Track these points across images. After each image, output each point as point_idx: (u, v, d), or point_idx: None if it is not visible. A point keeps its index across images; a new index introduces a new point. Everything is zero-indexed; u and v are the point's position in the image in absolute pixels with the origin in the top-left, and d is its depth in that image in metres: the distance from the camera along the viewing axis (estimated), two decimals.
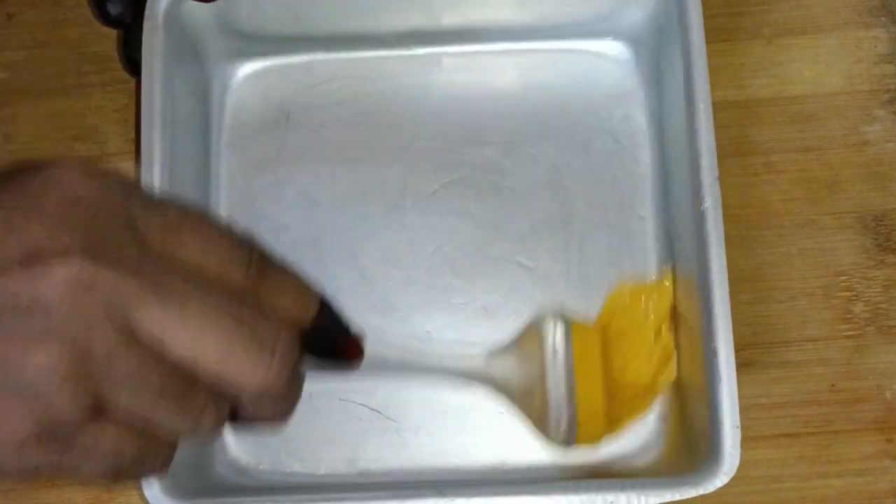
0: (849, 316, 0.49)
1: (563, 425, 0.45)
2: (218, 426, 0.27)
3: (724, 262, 0.43)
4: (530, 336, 0.47)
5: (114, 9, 0.50)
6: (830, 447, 0.47)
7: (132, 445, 0.25)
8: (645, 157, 0.50)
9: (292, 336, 0.27)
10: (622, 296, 0.48)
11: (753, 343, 0.48)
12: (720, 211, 0.43)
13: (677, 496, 0.41)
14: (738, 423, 0.41)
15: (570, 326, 0.46)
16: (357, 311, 0.47)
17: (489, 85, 0.51)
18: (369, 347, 0.34)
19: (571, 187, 0.49)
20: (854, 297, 0.49)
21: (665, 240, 0.48)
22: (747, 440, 0.47)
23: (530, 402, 0.46)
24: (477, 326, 0.48)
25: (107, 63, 0.52)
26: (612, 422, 0.46)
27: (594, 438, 0.46)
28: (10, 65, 0.53)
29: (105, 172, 0.26)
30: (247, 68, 0.52)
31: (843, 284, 0.49)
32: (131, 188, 0.26)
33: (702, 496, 0.47)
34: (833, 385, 0.48)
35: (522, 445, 0.46)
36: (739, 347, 0.48)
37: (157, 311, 0.24)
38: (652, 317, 0.47)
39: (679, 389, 0.46)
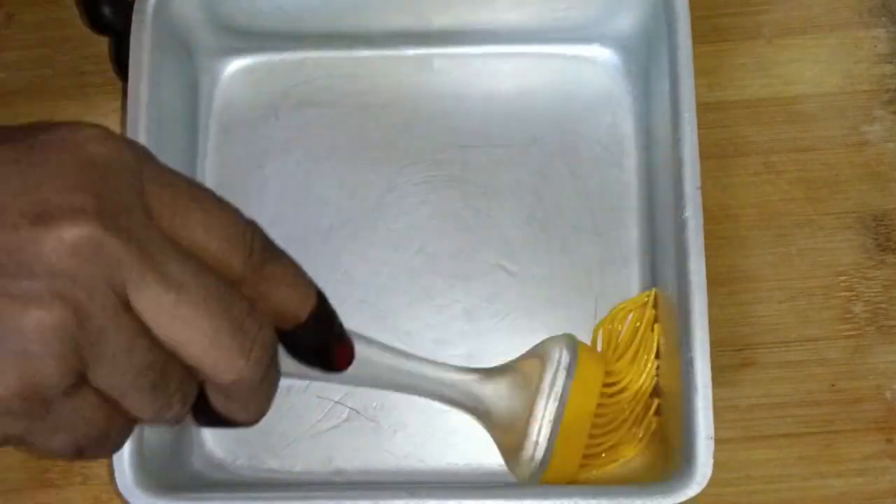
0: (849, 316, 0.49)
1: (534, 465, 0.43)
2: (181, 415, 0.27)
3: (703, 273, 0.42)
4: (532, 362, 0.44)
5: (105, 16, 0.50)
6: (830, 447, 0.47)
7: (99, 422, 0.25)
8: (631, 165, 0.50)
9: (273, 335, 0.27)
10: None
11: (753, 343, 0.48)
12: (701, 221, 0.43)
13: None
14: (713, 435, 0.41)
15: (577, 360, 0.44)
16: (338, 310, 0.48)
17: (479, 87, 0.51)
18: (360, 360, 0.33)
19: (557, 193, 0.49)
20: (854, 297, 0.49)
21: (648, 248, 0.48)
22: (747, 440, 0.47)
23: (508, 431, 0.44)
24: (458, 328, 0.48)
25: (107, 63, 0.52)
26: (583, 466, 0.44)
27: (560, 480, 0.44)
28: (10, 65, 0.53)
29: (121, 137, 0.26)
30: (236, 64, 0.52)
31: (843, 284, 0.49)
32: (145, 155, 0.26)
33: (699, 496, 0.47)
34: (833, 385, 0.48)
35: (496, 450, 0.46)
36: (739, 347, 0.48)
37: (154, 290, 0.24)
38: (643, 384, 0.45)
39: (657, 398, 0.46)
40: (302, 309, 0.29)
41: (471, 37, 0.51)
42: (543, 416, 0.43)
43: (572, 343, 0.45)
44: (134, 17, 0.46)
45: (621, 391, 0.45)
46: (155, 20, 0.46)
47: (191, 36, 0.49)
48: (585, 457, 0.44)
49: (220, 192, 0.49)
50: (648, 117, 0.49)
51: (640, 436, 0.45)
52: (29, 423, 0.24)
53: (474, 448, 0.46)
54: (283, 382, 0.46)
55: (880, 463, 0.47)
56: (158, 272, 0.24)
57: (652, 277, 0.48)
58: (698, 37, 0.50)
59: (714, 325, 0.48)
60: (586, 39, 0.51)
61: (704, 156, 0.50)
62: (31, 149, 0.25)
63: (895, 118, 0.51)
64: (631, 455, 0.45)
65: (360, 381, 0.39)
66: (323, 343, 0.31)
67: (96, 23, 0.51)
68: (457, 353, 0.47)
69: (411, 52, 0.51)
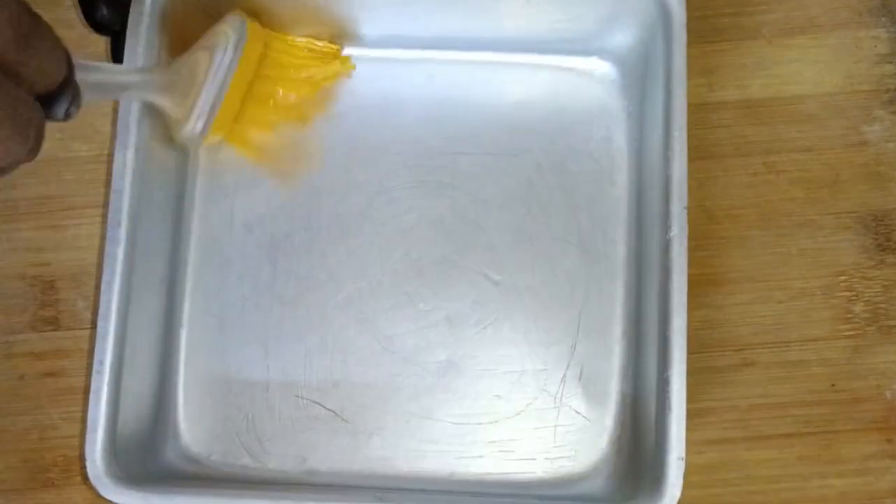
0: (849, 316, 0.49)
1: (200, 125, 0.46)
2: None
3: (685, 293, 0.43)
4: (207, 39, 0.47)
5: (104, 16, 0.50)
6: (830, 447, 0.47)
7: None
8: (621, 180, 0.49)
9: (42, 113, 0.29)
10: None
11: (753, 343, 0.48)
12: (686, 241, 0.43)
13: None
14: (684, 455, 0.41)
15: (246, 32, 0.47)
16: (321, 310, 0.48)
17: (474, 94, 0.51)
18: None
19: (545, 204, 0.49)
20: (854, 297, 0.49)
21: (634, 264, 0.48)
22: (747, 440, 0.47)
23: (178, 105, 0.46)
24: (439, 335, 0.48)
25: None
26: (247, 127, 0.49)
27: (221, 136, 0.48)
28: None
29: None
30: None
31: (843, 284, 0.49)
32: None
33: (700, 496, 0.47)
34: (833, 385, 0.48)
35: (470, 458, 0.47)
36: (739, 347, 0.48)
37: None
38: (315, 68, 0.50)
39: (633, 418, 0.46)
40: (61, 72, 0.30)
41: (468, 43, 0.51)
42: (213, 84, 0.46)
43: (240, 26, 0.47)
44: (132, 10, 0.46)
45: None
46: (152, 14, 0.46)
47: (188, 31, 0.49)
48: (249, 120, 0.49)
49: (209, 185, 0.50)
50: (641, 133, 0.49)
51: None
52: None
53: (448, 456, 0.47)
54: (261, 382, 0.47)
55: (880, 463, 0.47)
56: None
57: (636, 293, 0.48)
58: (698, 37, 0.50)
59: (714, 325, 0.48)
60: (584, 52, 0.51)
61: (704, 156, 0.50)
62: None
63: (895, 118, 0.51)
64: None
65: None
66: (67, 102, 0.32)
67: (95, 23, 0.51)
68: (437, 360, 0.48)
69: (408, 55, 0.51)
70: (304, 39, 0.50)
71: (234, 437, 0.47)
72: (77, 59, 0.34)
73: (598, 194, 0.49)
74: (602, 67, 0.51)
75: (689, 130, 0.45)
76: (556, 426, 0.47)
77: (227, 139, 0.49)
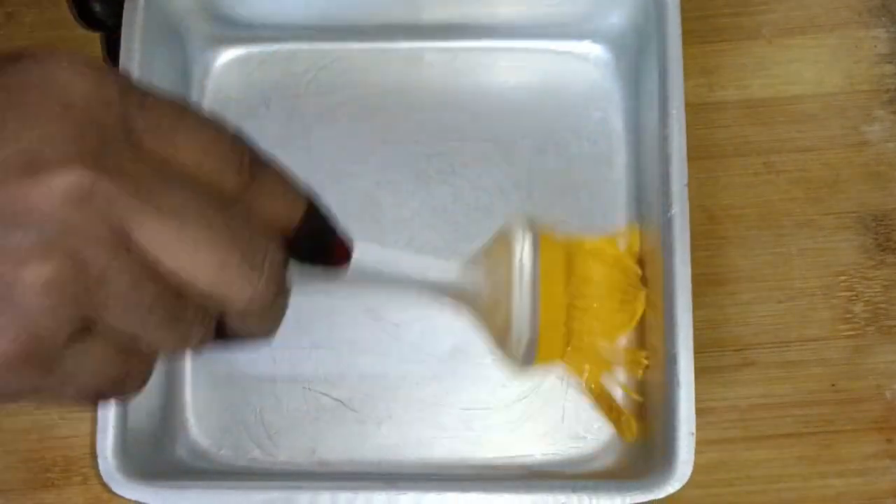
0: (849, 316, 0.49)
1: (524, 344, 0.43)
2: (204, 343, 0.26)
3: (688, 270, 0.43)
4: (499, 247, 0.44)
5: (96, 12, 0.50)
6: (830, 447, 0.47)
7: (115, 365, 0.25)
8: (620, 162, 0.50)
9: (281, 249, 0.26)
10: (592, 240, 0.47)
11: (753, 343, 0.48)
12: (687, 219, 0.43)
13: (627, 500, 0.41)
14: (694, 430, 0.41)
15: (539, 238, 0.44)
16: (327, 300, 0.48)
17: (470, 82, 0.51)
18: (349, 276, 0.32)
19: (545, 189, 0.49)
20: (854, 297, 0.49)
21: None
22: (747, 440, 0.47)
23: (494, 318, 0.44)
24: (445, 322, 0.48)
25: (106, 63, 0.52)
26: (568, 346, 0.45)
27: (551, 358, 0.44)
28: None
29: (98, 67, 0.25)
30: (228, 54, 0.52)
31: (843, 284, 0.49)
32: (126, 84, 0.25)
33: (700, 496, 0.47)
34: (833, 385, 0.48)
35: (480, 443, 0.47)
36: (739, 347, 0.48)
37: (154, 224, 0.23)
38: (622, 262, 0.46)
39: (641, 396, 0.46)
40: (296, 212, 0.28)
41: (462, 31, 0.51)
42: (521, 298, 0.42)
43: (531, 226, 0.44)
44: (126, 5, 0.46)
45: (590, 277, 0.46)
46: (147, 8, 0.46)
47: (183, 25, 0.50)
48: (572, 342, 0.45)
49: None
50: (638, 114, 0.49)
51: (628, 319, 0.46)
52: (37, 379, 0.23)
53: (458, 442, 0.47)
54: (268, 374, 0.47)
55: (880, 463, 0.47)
56: (154, 205, 0.23)
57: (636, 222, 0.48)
58: (698, 37, 0.50)
59: (714, 325, 0.48)
60: (578, 35, 0.51)
61: (704, 156, 0.50)
62: (7, 91, 0.23)
63: (895, 118, 0.51)
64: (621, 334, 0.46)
65: (362, 277, 0.37)
66: (321, 239, 0.31)
67: (87, 19, 0.50)
68: (443, 347, 0.48)
69: (403, 45, 0.51)
70: (602, 240, 0.47)
71: (243, 430, 0.47)
72: (359, 242, 0.32)
73: (597, 177, 0.49)
74: (596, 50, 0.51)
75: (688, 130, 0.45)
76: (564, 407, 0.47)
77: (564, 362, 0.45)
